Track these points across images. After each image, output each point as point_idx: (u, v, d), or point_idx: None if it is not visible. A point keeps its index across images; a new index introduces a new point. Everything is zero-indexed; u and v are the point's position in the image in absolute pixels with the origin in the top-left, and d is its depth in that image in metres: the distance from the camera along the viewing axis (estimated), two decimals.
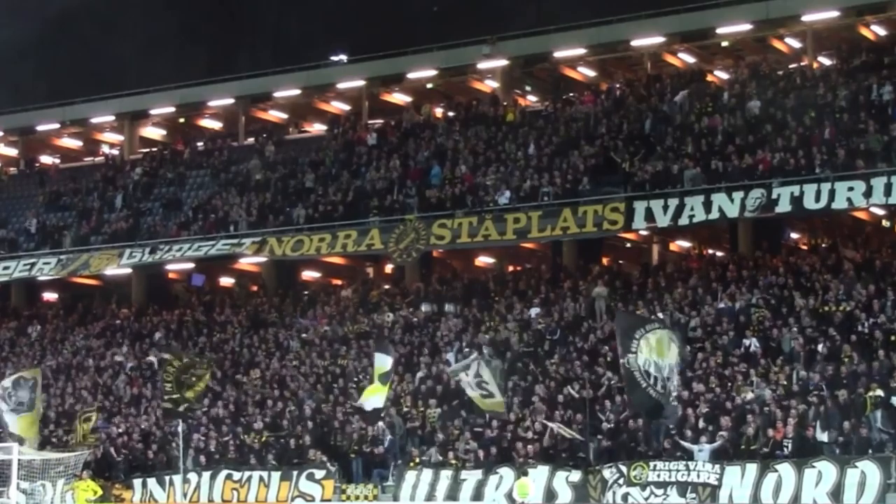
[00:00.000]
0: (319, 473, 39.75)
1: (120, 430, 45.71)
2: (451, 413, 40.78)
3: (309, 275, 56.68)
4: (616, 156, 47.00)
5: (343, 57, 59.89)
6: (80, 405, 47.74)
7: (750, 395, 36.61)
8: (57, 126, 64.91)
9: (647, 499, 35.25)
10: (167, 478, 41.97)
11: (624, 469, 35.66)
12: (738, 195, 42.14)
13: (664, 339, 34.59)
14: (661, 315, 41.01)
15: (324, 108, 61.70)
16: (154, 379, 48.55)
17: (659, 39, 52.27)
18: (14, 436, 42.46)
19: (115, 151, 64.86)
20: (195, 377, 42.23)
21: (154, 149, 63.03)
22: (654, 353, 34.40)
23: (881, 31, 50.15)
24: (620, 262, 50.32)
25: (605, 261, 49.46)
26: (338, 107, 61.16)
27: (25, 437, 42.93)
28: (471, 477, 37.59)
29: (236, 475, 41.10)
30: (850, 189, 40.66)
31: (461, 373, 38.15)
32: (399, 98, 59.78)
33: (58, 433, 46.63)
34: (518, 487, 35.81)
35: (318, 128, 61.96)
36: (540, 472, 36.57)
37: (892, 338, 37.41)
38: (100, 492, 40.20)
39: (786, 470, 33.92)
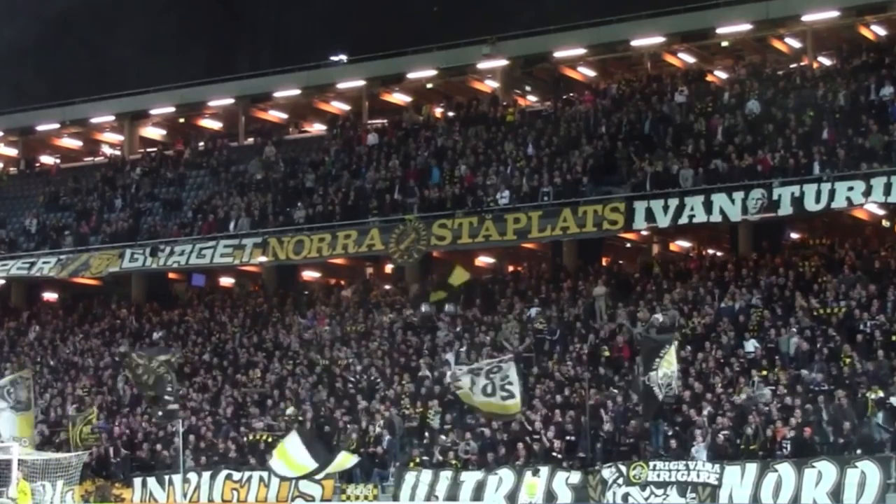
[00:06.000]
0: (319, 473, 39.71)
1: (120, 430, 45.69)
2: (450, 414, 40.79)
3: (309, 275, 56.67)
4: (618, 155, 47.04)
5: (343, 57, 59.83)
6: (75, 407, 47.54)
7: (750, 396, 36.61)
8: (57, 126, 64.86)
9: (647, 499, 35.26)
10: (167, 477, 41.97)
11: (624, 469, 35.67)
12: (738, 195, 42.21)
13: (672, 351, 35.16)
14: (660, 317, 41.19)
15: (324, 108, 61.67)
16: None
17: (659, 39, 52.25)
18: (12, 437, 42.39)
19: (116, 151, 64.89)
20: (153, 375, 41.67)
21: (154, 149, 63.04)
22: (669, 366, 35.04)
23: (881, 31, 50.14)
24: (620, 262, 50.30)
25: (605, 261, 49.46)
26: (338, 107, 61.14)
27: (22, 437, 42.82)
28: (470, 477, 37.59)
29: (236, 475, 41.10)
30: (850, 189, 40.73)
31: (466, 377, 37.70)
32: (399, 98, 59.75)
33: (58, 433, 46.64)
34: (528, 488, 35.90)
35: (318, 128, 61.95)
36: (540, 474, 36.57)
37: (893, 338, 37.43)
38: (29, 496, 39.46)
39: (786, 470, 33.93)
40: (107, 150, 66.49)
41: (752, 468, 34.31)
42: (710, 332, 40.47)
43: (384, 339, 46.68)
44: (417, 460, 39.23)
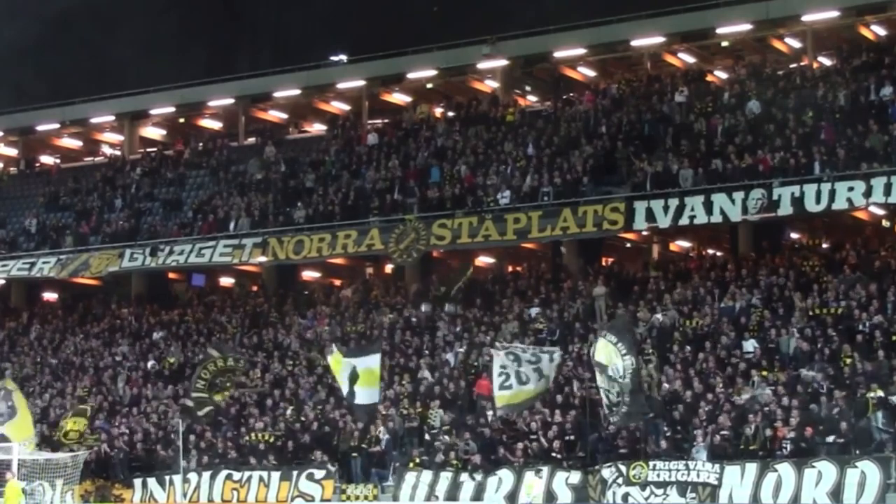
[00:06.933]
0: (319, 473, 39.78)
1: (120, 430, 45.68)
2: (450, 413, 40.77)
3: (309, 275, 56.67)
4: (618, 155, 47.05)
5: (343, 57, 59.84)
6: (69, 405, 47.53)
7: (750, 396, 36.60)
8: (57, 126, 64.89)
9: (647, 499, 35.25)
10: (167, 478, 41.99)
11: (623, 469, 35.66)
12: (738, 195, 42.21)
13: (608, 347, 35.21)
14: (660, 317, 41.23)
15: (324, 108, 61.69)
16: (153, 380, 48.74)
17: (659, 39, 52.26)
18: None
19: (116, 151, 64.89)
20: (229, 382, 42.50)
21: (154, 149, 63.06)
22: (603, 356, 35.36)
23: (881, 31, 50.14)
24: (621, 262, 50.29)
25: (605, 261, 49.45)
26: (338, 107, 61.15)
27: (23, 439, 42.61)
28: (470, 478, 37.53)
29: (236, 475, 41.12)
30: (850, 189, 40.73)
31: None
32: (399, 98, 59.77)
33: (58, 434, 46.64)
34: (527, 488, 35.91)
35: (318, 128, 61.97)
36: (541, 474, 36.56)
37: (893, 338, 37.42)
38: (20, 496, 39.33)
39: (786, 470, 33.93)
40: (107, 150, 66.52)
41: (751, 468, 34.31)
42: (710, 332, 40.46)
43: (384, 339, 46.64)
44: (417, 460, 39.22)
